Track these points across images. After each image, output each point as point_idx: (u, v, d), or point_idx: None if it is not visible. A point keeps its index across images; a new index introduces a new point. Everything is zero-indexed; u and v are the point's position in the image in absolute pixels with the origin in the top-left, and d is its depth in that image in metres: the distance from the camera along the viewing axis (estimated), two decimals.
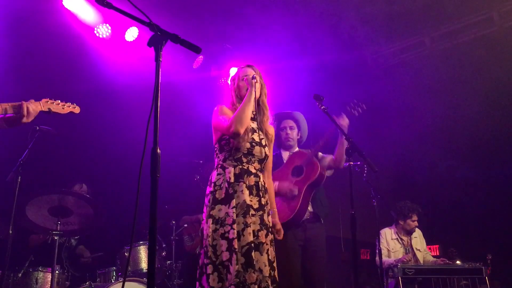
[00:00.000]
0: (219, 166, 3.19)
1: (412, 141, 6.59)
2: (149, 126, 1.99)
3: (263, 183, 3.21)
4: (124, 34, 5.59)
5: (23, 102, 2.75)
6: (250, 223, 3.00)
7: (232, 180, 3.08)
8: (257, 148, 3.20)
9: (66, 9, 5.09)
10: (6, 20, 4.80)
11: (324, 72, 6.41)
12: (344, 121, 3.98)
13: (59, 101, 3.03)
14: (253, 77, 3.19)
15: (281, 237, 3.35)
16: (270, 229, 3.15)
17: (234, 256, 2.89)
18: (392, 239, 5.39)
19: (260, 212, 3.09)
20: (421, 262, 5.23)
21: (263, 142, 3.26)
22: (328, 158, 4.27)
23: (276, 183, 4.09)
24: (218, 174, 3.15)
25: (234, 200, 3.04)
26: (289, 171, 4.19)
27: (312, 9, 5.74)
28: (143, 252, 4.63)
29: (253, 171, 3.16)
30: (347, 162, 3.75)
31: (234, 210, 3.00)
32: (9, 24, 4.85)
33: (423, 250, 5.42)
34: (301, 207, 4.05)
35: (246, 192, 3.07)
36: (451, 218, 6.70)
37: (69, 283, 4.50)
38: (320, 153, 4.31)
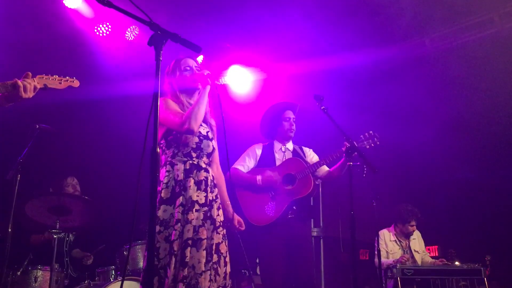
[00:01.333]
0: (168, 163, 3.05)
1: (411, 142, 6.58)
2: (149, 125, 2.00)
3: (211, 178, 3.11)
4: (124, 33, 5.60)
5: (16, 80, 2.53)
6: (192, 219, 2.88)
7: (180, 177, 2.98)
8: (205, 142, 3.12)
9: (67, 7, 5.09)
10: (6, 18, 4.80)
11: (323, 74, 6.40)
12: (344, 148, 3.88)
13: (56, 76, 2.80)
14: (208, 74, 3.09)
15: (243, 227, 3.31)
16: (220, 223, 3.04)
17: (173, 259, 2.80)
18: (390, 240, 5.39)
19: (205, 208, 2.97)
20: (419, 263, 5.24)
21: (210, 135, 3.18)
22: (325, 169, 4.25)
23: (259, 176, 4.08)
24: (167, 171, 3.02)
25: (181, 198, 2.93)
26: (281, 176, 4.14)
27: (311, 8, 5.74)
28: (142, 251, 4.63)
29: (203, 165, 3.07)
30: (347, 162, 3.75)
31: (179, 209, 2.89)
32: (8, 23, 4.85)
33: (421, 252, 5.43)
34: (282, 216, 4.03)
35: (194, 187, 2.97)
36: (450, 219, 6.70)
37: (68, 282, 4.50)
38: (316, 158, 4.28)
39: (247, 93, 6.68)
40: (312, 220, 4.27)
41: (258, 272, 5.83)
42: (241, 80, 6.65)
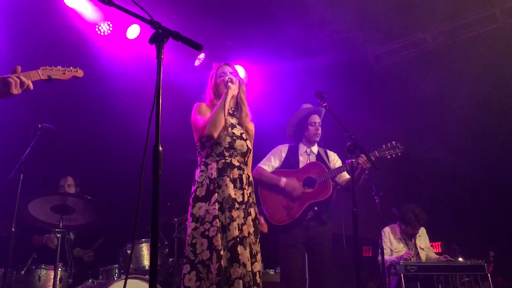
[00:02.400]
0: (202, 163, 3.19)
1: (414, 138, 6.57)
2: (150, 123, 2.00)
3: (247, 176, 3.20)
4: (126, 31, 5.59)
5: (5, 77, 2.46)
6: (235, 217, 2.98)
7: (214, 175, 3.07)
8: (238, 142, 3.20)
9: (68, 6, 5.09)
10: (7, 17, 4.81)
11: (324, 72, 6.39)
12: (361, 159, 3.96)
13: (60, 66, 2.79)
14: (229, 80, 3.24)
15: (265, 230, 3.54)
16: (256, 221, 3.16)
17: (215, 254, 2.88)
18: (395, 238, 5.34)
19: (244, 206, 3.07)
20: (424, 260, 5.22)
21: (244, 136, 3.27)
22: (345, 177, 4.31)
23: (284, 179, 4.17)
24: (201, 171, 3.15)
25: (216, 195, 3.02)
26: (302, 179, 4.23)
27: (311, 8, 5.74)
28: (145, 250, 4.64)
29: (236, 164, 3.15)
30: (349, 159, 3.76)
31: (215, 206, 2.98)
32: (9, 22, 4.85)
33: (426, 248, 5.40)
34: (299, 217, 4.13)
35: (231, 185, 3.06)
36: (454, 215, 6.70)
37: (72, 281, 4.51)
38: (339, 163, 4.34)
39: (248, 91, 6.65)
40: (333, 222, 4.31)
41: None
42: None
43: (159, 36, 2.04)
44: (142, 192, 2.05)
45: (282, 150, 4.47)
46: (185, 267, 2.93)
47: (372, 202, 4.77)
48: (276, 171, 4.35)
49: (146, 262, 4.57)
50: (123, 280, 4.00)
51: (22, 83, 2.53)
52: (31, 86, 2.58)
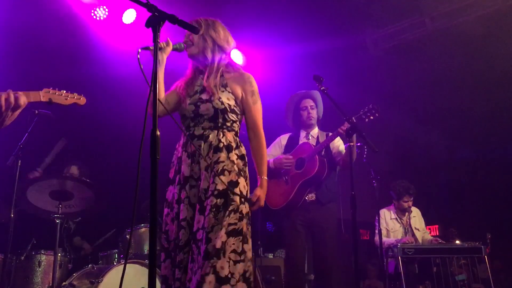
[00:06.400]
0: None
1: (411, 121, 6.58)
2: (148, 108, 1.99)
3: (215, 142, 2.67)
4: (122, 16, 5.54)
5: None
6: (185, 198, 2.65)
7: (180, 154, 2.75)
8: (203, 106, 2.73)
9: None
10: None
11: (322, 57, 6.37)
12: (344, 127, 3.95)
13: (64, 91, 2.73)
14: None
15: (254, 208, 2.83)
16: (214, 192, 2.57)
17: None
18: (391, 218, 5.43)
19: (199, 182, 2.64)
20: (420, 241, 5.27)
21: (212, 97, 2.73)
22: (342, 148, 4.26)
23: (271, 160, 4.23)
24: (175, 150, 2.86)
25: (179, 175, 2.72)
26: (294, 162, 4.26)
27: None
28: (144, 235, 4.66)
29: (198, 132, 2.71)
30: (346, 143, 3.77)
31: (178, 188, 2.70)
32: (3, 5, 4.80)
33: (421, 230, 5.46)
34: (294, 198, 4.15)
35: (188, 161, 2.68)
36: (451, 198, 6.74)
37: (72, 266, 4.54)
38: (342, 147, 4.29)
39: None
40: (335, 204, 4.31)
41: (260, 253, 5.90)
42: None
43: (155, 20, 2.02)
44: (141, 178, 2.05)
45: (282, 139, 4.51)
46: (162, 255, 2.71)
47: (370, 186, 4.79)
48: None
49: (145, 247, 4.59)
50: (123, 265, 4.03)
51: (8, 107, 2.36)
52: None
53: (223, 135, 2.72)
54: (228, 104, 2.77)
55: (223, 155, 2.67)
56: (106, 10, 5.41)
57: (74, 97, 2.86)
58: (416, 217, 5.49)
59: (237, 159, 2.72)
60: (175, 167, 2.79)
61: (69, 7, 5.21)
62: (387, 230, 5.33)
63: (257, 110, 2.89)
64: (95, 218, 5.00)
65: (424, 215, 5.61)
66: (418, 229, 5.40)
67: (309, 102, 4.41)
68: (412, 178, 5.81)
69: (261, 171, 2.84)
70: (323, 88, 3.61)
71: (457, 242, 5.05)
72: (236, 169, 2.68)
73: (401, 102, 6.79)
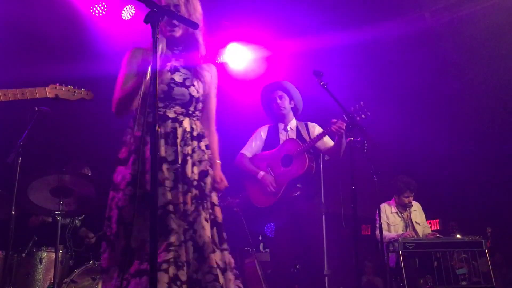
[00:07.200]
0: (131, 118, 2.66)
1: (411, 116, 6.57)
2: (148, 100, 1.99)
3: (189, 130, 2.61)
4: (121, 12, 5.53)
5: None
6: (164, 179, 2.44)
7: (139, 132, 2.51)
8: (177, 90, 2.61)
9: None
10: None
11: (321, 50, 6.35)
12: (334, 126, 3.95)
13: (71, 86, 2.73)
14: None
15: (222, 189, 2.79)
16: (194, 182, 2.54)
17: (122, 228, 2.41)
18: (391, 213, 5.43)
19: (176, 166, 2.50)
20: (420, 235, 5.28)
21: (187, 83, 2.66)
22: (329, 144, 4.24)
23: (262, 173, 4.18)
24: (128, 128, 2.67)
25: (136, 156, 2.48)
26: (280, 158, 4.22)
27: None
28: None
29: (172, 115, 2.59)
30: (348, 137, 3.76)
31: (131, 168, 2.48)
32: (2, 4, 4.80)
33: (422, 224, 5.46)
34: (283, 196, 4.12)
35: (161, 141, 2.50)
36: (451, 192, 6.74)
37: (73, 262, 4.54)
38: (325, 137, 4.24)
39: (248, 71, 6.61)
40: (322, 198, 4.30)
41: (261, 249, 5.92)
42: (240, 59, 6.57)
43: (154, 15, 2.01)
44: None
45: (262, 131, 4.44)
46: (102, 244, 2.50)
47: (370, 181, 4.78)
48: (257, 156, 4.36)
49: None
50: None
51: None
52: None
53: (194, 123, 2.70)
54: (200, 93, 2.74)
55: (195, 143, 2.65)
56: (105, 6, 5.39)
57: (81, 93, 2.85)
58: (416, 211, 5.49)
59: (206, 149, 2.72)
60: (129, 147, 2.60)
61: (69, 3, 5.19)
62: (388, 224, 5.34)
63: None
64: (99, 213, 4.99)
65: (424, 209, 5.61)
66: (418, 223, 5.41)
67: (277, 93, 4.36)
68: (413, 172, 5.80)
69: (217, 156, 2.85)
70: (323, 83, 3.60)
71: (458, 236, 5.05)
72: (206, 158, 2.68)
73: (402, 95, 6.78)
